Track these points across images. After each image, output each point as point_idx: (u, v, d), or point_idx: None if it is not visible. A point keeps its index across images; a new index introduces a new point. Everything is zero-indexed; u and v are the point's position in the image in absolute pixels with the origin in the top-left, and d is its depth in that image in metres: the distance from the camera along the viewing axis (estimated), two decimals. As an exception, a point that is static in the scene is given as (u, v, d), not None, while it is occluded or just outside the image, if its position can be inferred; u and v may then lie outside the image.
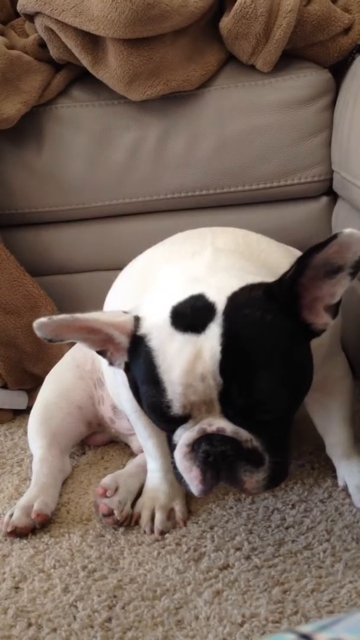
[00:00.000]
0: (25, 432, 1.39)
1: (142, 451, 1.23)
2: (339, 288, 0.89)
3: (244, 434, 0.89)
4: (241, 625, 0.91)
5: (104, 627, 0.92)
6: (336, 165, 1.54)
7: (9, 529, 1.12)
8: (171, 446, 0.94)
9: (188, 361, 0.86)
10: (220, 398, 0.87)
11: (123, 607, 0.96)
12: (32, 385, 1.57)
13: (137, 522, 1.14)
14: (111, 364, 0.96)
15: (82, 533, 1.13)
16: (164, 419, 0.91)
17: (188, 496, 1.17)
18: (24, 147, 1.61)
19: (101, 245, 1.67)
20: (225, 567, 1.03)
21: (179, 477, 0.95)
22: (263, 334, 0.87)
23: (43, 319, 0.90)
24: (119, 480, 1.19)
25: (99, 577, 1.02)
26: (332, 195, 1.62)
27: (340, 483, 1.18)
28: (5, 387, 1.57)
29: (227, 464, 0.90)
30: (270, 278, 0.91)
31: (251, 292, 0.89)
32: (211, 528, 1.11)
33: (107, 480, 1.19)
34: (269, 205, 1.63)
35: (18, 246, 1.62)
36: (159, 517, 1.13)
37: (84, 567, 1.04)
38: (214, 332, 0.86)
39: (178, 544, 1.08)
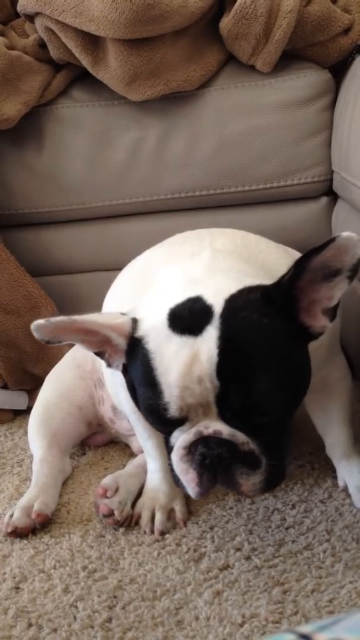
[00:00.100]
0: (26, 433, 1.39)
1: (142, 452, 1.23)
2: (337, 291, 0.89)
3: (240, 437, 0.89)
4: (241, 625, 0.91)
5: (104, 628, 0.92)
6: (336, 166, 1.54)
7: (9, 530, 1.12)
8: (168, 448, 0.94)
9: (185, 363, 0.85)
10: (217, 401, 0.87)
11: (123, 608, 0.96)
12: (32, 385, 1.57)
13: (137, 523, 1.14)
14: (109, 365, 0.96)
15: (82, 533, 1.13)
16: (161, 421, 0.91)
17: (188, 497, 1.16)
18: (24, 148, 1.61)
19: (101, 245, 1.67)
20: (226, 567, 1.03)
21: (176, 480, 0.95)
22: (260, 336, 0.87)
23: (40, 321, 0.90)
24: (119, 480, 1.19)
25: (99, 578, 1.02)
26: (332, 196, 1.62)
27: (340, 483, 1.19)
28: (5, 387, 1.57)
29: (224, 466, 0.90)
30: (268, 280, 0.91)
31: (249, 295, 0.89)
32: (211, 528, 1.11)
33: (107, 480, 1.19)
34: (269, 205, 1.63)
35: (18, 246, 1.63)
36: (159, 517, 1.13)
37: (84, 568, 1.04)
38: (211, 334, 0.86)
39: (178, 545, 1.08)
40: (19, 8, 1.58)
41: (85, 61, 1.53)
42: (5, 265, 1.55)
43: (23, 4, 1.55)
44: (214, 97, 1.57)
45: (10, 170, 1.62)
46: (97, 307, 1.18)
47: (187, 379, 0.86)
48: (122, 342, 0.92)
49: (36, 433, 1.34)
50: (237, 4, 1.47)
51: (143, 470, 1.22)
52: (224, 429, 0.88)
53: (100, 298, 1.19)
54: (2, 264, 1.55)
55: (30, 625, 0.94)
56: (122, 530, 1.13)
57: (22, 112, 1.55)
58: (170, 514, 1.14)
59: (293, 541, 1.07)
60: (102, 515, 1.14)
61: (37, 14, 1.53)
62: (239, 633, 0.90)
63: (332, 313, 0.91)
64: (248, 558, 1.04)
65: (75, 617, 0.95)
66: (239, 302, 0.88)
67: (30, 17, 1.58)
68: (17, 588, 1.01)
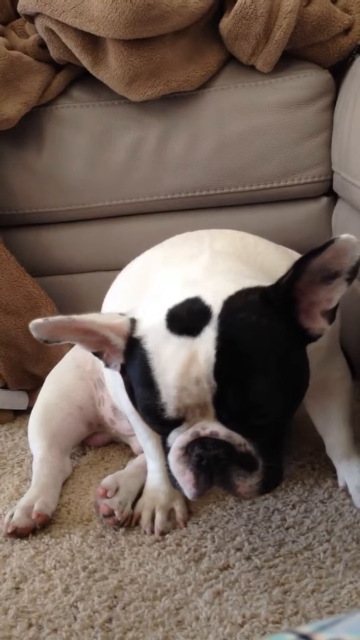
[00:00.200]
0: (26, 433, 1.39)
1: (142, 452, 1.23)
2: (336, 293, 0.89)
3: (237, 438, 0.89)
4: (241, 625, 0.91)
5: (104, 628, 0.92)
6: (336, 166, 1.54)
7: (9, 530, 1.12)
8: (165, 449, 0.94)
9: (183, 364, 0.85)
10: (215, 402, 0.87)
11: (123, 608, 0.96)
12: (32, 385, 1.57)
13: (137, 523, 1.14)
14: (107, 365, 0.96)
15: (82, 534, 1.13)
16: (158, 422, 0.91)
17: (188, 497, 1.17)
18: (25, 148, 1.61)
19: (101, 245, 1.67)
20: (226, 567, 1.03)
21: (173, 480, 0.95)
22: (258, 338, 0.87)
23: (39, 320, 0.90)
24: (120, 480, 1.19)
25: (99, 578, 1.02)
26: (332, 196, 1.62)
27: (341, 483, 1.19)
28: (5, 387, 1.57)
29: (220, 467, 0.90)
30: (267, 282, 0.91)
31: (247, 296, 0.89)
32: (212, 528, 1.11)
33: (107, 480, 1.19)
34: (269, 205, 1.63)
35: (18, 247, 1.63)
36: (159, 517, 1.13)
37: (85, 568, 1.04)
38: (209, 335, 0.86)
39: (178, 545, 1.08)
40: (19, 8, 1.59)
41: (85, 61, 1.53)
42: (6, 266, 1.55)
43: (23, 4, 1.55)
44: (214, 97, 1.57)
45: (10, 171, 1.62)
46: (97, 307, 1.18)
47: (184, 379, 0.85)
48: (120, 343, 0.92)
49: (36, 433, 1.34)
50: (237, 4, 1.47)
51: (143, 470, 1.22)
52: (220, 430, 0.88)
53: (100, 298, 1.19)
54: (2, 264, 1.55)
55: (30, 625, 0.94)
56: (122, 530, 1.13)
57: (22, 112, 1.56)
58: (170, 514, 1.14)
59: (293, 541, 1.07)
60: (102, 516, 1.14)
61: (37, 14, 1.53)
62: (239, 633, 0.90)
63: (331, 315, 0.91)
64: (248, 558, 1.04)
65: (75, 618, 0.95)
66: (237, 303, 0.88)
67: (30, 18, 1.58)
68: (17, 588, 1.01)
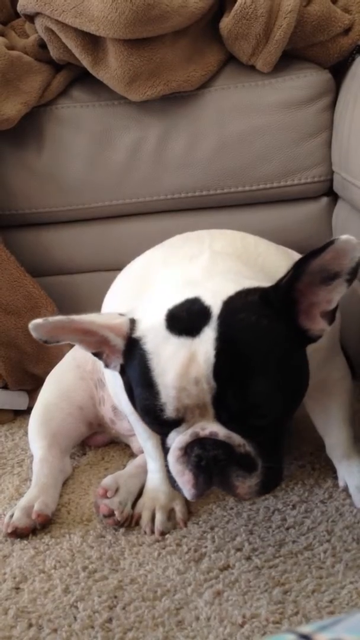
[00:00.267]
0: (26, 433, 1.39)
1: (142, 452, 1.23)
2: (336, 294, 0.89)
3: (236, 439, 0.88)
4: (242, 625, 0.91)
5: (104, 628, 0.92)
6: (336, 166, 1.54)
7: (9, 530, 1.12)
8: (165, 449, 0.94)
9: (182, 365, 0.85)
10: (214, 402, 0.87)
11: (124, 608, 0.96)
12: (32, 385, 1.57)
13: (137, 523, 1.14)
14: (107, 366, 0.96)
15: (82, 534, 1.13)
16: (158, 422, 0.91)
17: (188, 497, 1.17)
18: (25, 148, 1.61)
19: (101, 245, 1.67)
20: (226, 567, 1.03)
21: (172, 481, 0.95)
22: (258, 338, 0.87)
23: (38, 320, 0.90)
24: (120, 480, 1.19)
25: (99, 578, 1.02)
26: (333, 196, 1.62)
27: (341, 483, 1.19)
28: (5, 387, 1.57)
29: (220, 468, 0.89)
30: (267, 282, 0.90)
31: (247, 297, 0.89)
32: (212, 529, 1.11)
33: (107, 480, 1.19)
34: (269, 205, 1.63)
35: (18, 247, 1.63)
36: (159, 517, 1.13)
37: (85, 568, 1.04)
38: (208, 336, 0.86)
39: (178, 545, 1.08)
40: (19, 8, 1.59)
41: (85, 61, 1.53)
42: (6, 266, 1.55)
43: (23, 4, 1.55)
44: (214, 97, 1.57)
45: (10, 170, 1.62)
46: (97, 307, 1.18)
47: (184, 380, 0.85)
48: (119, 343, 0.92)
49: (36, 433, 1.34)
50: (237, 4, 1.47)
51: (143, 470, 1.22)
52: (220, 431, 0.88)
53: (100, 298, 1.19)
54: (2, 264, 1.55)
55: (30, 625, 0.94)
56: (122, 530, 1.13)
57: (22, 112, 1.56)
58: (170, 514, 1.14)
59: (293, 541, 1.07)
60: (102, 516, 1.14)
61: (37, 14, 1.53)
62: (240, 633, 0.90)
63: (330, 316, 0.91)
64: (248, 558, 1.04)
65: (75, 618, 0.94)
66: (237, 304, 0.88)
67: (30, 17, 1.58)
68: (17, 588, 1.01)
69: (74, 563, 1.06)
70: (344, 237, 0.82)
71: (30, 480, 1.26)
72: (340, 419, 1.17)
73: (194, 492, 0.92)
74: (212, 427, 0.88)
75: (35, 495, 1.18)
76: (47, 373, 1.44)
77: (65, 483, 1.28)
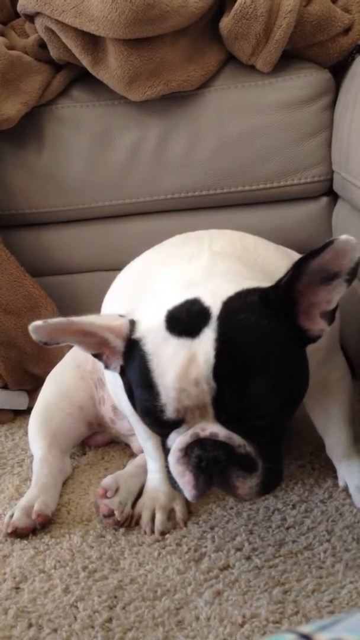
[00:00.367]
0: (26, 433, 1.39)
1: (142, 452, 1.23)
2: (335, 294, 0.88)
3: (237, 439, 0.88)
4: (242, 625, 0.91)
5: (104, 628, 0.92)
6: (336, 166, 1.54)
7: (9, 530, 1.12)
8: (165, 450, 0.94)
9: (182, 365, 0.85)
10: (214, 403, 0.87)
11: (124, 608, 0.96)
12: (32, 385, 1.57)
13: (137, 523, 1.14)
14: (107, 367, 0.96)
15: (82, 533, 1.13)
16: (158, 423, 0.91)
17: (188, 496, 1.17)
18: (25, 148, 1.61)
19: (101, 245, 1.67)
20: (226, 567, 1.03)
21: (172, 482, 0.95)
22: (257, 339, 0.87)
23: (38, 322, 0.90)
24: (120, 480, 1.19)
25: (99, 578, 1.02)
26: (332, 196, 1.62)
27: (341, 483, 1.19)
28: (5, 387, 1.57)
29: (220, 469, 0.89)
30: (266, 283, 0.90)
31: (246, 297, 0.89)
32: (212, 528, 1.11)
33: (107, 480, 1.19)
34: (269, 205, 1.63)
35: (18, 247, 1.63)
36: (159, 517, 1.13)
37: (85, 568, 1.04)
38: (208, 336, 0.86)
39: (178, 545, 1.08)
40: (19, 8, 1.59)
41: (85, 61, 1.53)
42: (6, 266, 1.55)
43: (23, 4, 1.55)
44: (214, 97, 1.57)
45: (10, 170, 1.62)
46: (97, 307, 1.18)
47: (183, 380, 0.85)
48: (119, 344, 0.92)
49: (36, 433, 1.34)
50: (237, 3, 1.47)
51: (143, 470, 1.22)
52: (220, 431, 0.88)
53: (100, 298, 1.19)
54: (2, 264, 1.55)
55: (30, 625, 0.94)
56: (122, 530, 1.13)
57: (22, 112, 1.56)
58: (170, 514, 1.14)
59: (293, 541, 1.07)
60: (102, 516, 1.14)
61: (37, 14, 1.53)
62: (240, 633, 0.90)
63: (330, 316, 0.91)
64: (248, 558, 1.04)
65: (75, 617, 0.94)
66: (236, 305, 0.88)
67: (30, 17, 1.58)
68: (17, 588, 1.01)
69: (74, 563, 1.06)
70: (344, 237, 0.82)
71: (30, 480, 1.26)
72: (340, 419, 1.17)
73: (194, 493, 0.92)
74: (212, 428, 0.88)
75: (35, 495, 1.18)
76: (47, 373, 1.44)
77: (65, 483, 1.28)
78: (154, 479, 1.17)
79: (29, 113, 1.57)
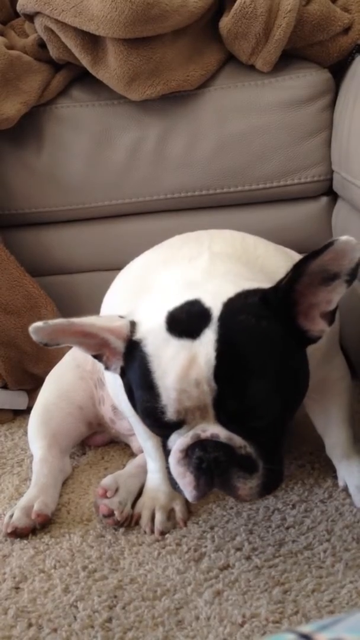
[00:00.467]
0: (26, 433, 1.39)
1: (142, 451, 1.23)
2: (335, 295, 0.89)
3: (237, 440, 0.88)
4: (242, 625, 0.91)
5: (104, 628, 0.92)
6: (336, 165, 1.53)
7: (9, 530, 1.12)
8: (166, 451, 0.94)
9: (182, 367, 0.85)
10: (215, 404, 0.87)
11: (123, 608, 0.96)
12: (32, 385, 1.57)
13: (137, 523, 1.14)
14: (107, 368, 0.96)
15: (82, 533, 1.13)
16: (158, 424, 0.91)
17: (188, 496, 1.17)
18: (24, 148, 1.61)
19: (101, 245, 1.67)
20: (226, 567, 1.03)
21: (173, 483, 0.95)
22: (258, 340, 0.87)
23: (38, 324, 0.90)
24: (119, 480, 1.19)
25: (99, 578, 1.02)
26: (332, 196, 1.62)
27: (341, 483, 1.19)
28: (5, 387, 1.57)
29: (221, 470, 0.89)
30: (267, 283, 0.90)
31: (247, 298, 0.89)
32: (211, 528, 1.11)
33: (107, 480, 1.19)
34: (268, 205, 1.63)
35: (18, 246, 1.62)
36: (159, 517, 1.13)
37: (85, 568, 1.04)
38: (208, 337, 0.86)
39: (178, 544, 1.08)
40: (18, 8, 1.58)
41: (85, 61, 1.53)
42: (5, 265, 1.55)
43: (23, 4, 1.55)
44: (214, 97, 1.57)
45: (10, 170, 1.62)
46: (97, 307, 1.18)
47: (184, 382, 0.85)
48: (120, 345, 0.92)
49: (36, 433, 1.34)
50: (236, 3, 1.47)
51: (143, 470, 1.22)
52: (221, 432, 0.88)
53: (100, 298, 1.19)
54: (2, 264, 1.55)
55: (30, 625, 0.94)
56: (122, 530, 1.13)
57: (22, 112, 1.55)
58: (170, 513, 1.14)
59: (293, 541, 1.07)
60: (102, 516, 1.14)
61: (37, 13, 1.53)
62: (240, 633, 0.90)
63: (330, 317, 0.91)
64: (248, 558, 1.04)
65: (75, 617, 0.94)
66: (237, 305, 0.88)
67: (30, 17, 1.58)
68: (17, 588, 1.01)
69: (74, 563, 1.06)
70: (344, 238, 0.82)
71: (30, 480, 1.26)
72: (340, 419, 1.17)
73: (195, 494, 0.92)
74: (213, 429, 0.88)
75: (35, 495, 1.18)
76: (46, 373, 1.44)
77: (65, 483, 1.28)
78: (154, 478, 1.17)
79: (29, 113, 1.57)
